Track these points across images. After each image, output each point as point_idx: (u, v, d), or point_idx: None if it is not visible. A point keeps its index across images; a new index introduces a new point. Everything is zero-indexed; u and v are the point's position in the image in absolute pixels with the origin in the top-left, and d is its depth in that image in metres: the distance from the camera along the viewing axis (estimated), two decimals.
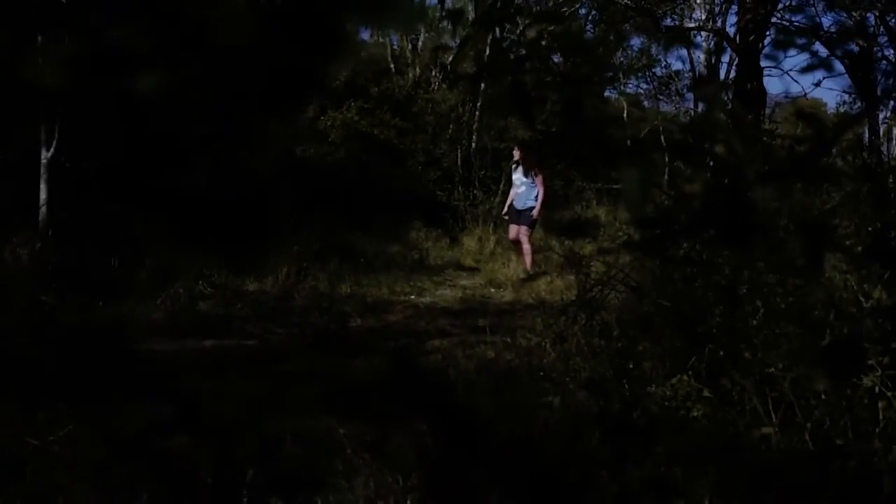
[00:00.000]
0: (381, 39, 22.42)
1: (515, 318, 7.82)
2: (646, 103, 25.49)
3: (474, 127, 16.59)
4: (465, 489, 2.86)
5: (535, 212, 11.51)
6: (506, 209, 12.02)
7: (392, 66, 19.45)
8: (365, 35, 26.91)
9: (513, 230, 11.75)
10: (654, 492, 2.57)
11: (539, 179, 11.63)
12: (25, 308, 6.49)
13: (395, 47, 20.99)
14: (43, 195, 8.59)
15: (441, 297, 9.71)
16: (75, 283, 7.43)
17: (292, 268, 9.37)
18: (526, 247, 11.49)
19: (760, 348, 3.03)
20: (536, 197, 11.56)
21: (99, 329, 6.63)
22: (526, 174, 11.62)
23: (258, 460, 3.38)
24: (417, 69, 19.07)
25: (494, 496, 2.61)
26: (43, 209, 8.56)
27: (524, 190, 11.61)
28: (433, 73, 18.57)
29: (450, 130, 16.73)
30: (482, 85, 16.63)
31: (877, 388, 2.75)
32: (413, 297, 9.62)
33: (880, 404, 2.68)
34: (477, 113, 16.71)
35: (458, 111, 16.88)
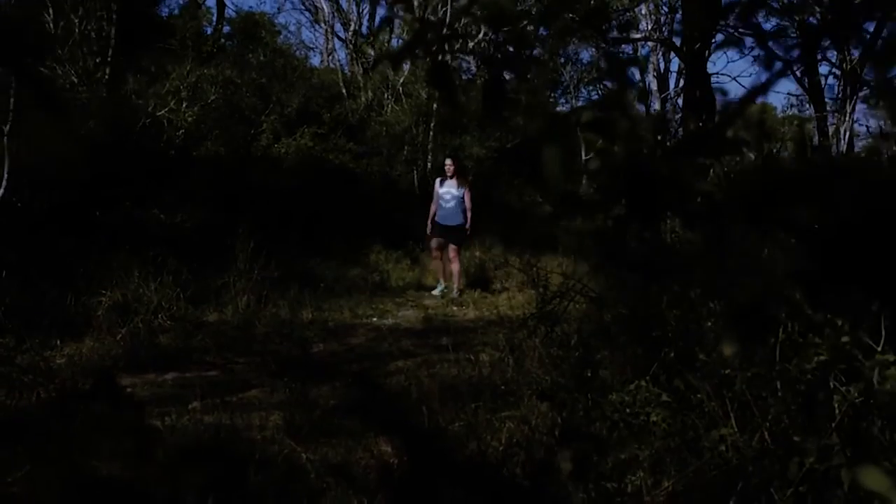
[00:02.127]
0: (331, 65, 22.48)
1: (478, 335, 7.85)
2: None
3: (429, 147, 16.63)
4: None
5: (467, 226, 11.27)
6: (430, 224, 11.50)
7: (344, 90, 19.47)
8: (315, 61, 26.97)
9: (435, 244, 11.44)
10: (616, 499, 2.58)
11: (468, 194, 11.28)
12: None
13: (346, 72, 21.04)
14: None
15: (404, 317, 9.70)
16: (31, 323, 7.33)
17: (252, 296, 9.31)
18: (456, 266, 11.23)
19: (714, 349, 3.06)
20: (465, 212, 11.22)
21: (57, 367, 6.55)
22: (458, 187, 11.24)
23: (221, 487, 3.35)
24: (370, 92, 19.11)
25: None
26: None
27: (453, 205, 11.22)
28: (385, 95, 18.61)
29: (405, 152, 16.77)
30: (434, 105, 16.72)
31: (832, 384, 2.79)
32: (375, 319, 9.60)
33: (836, 398, 2.71)
34: (431, 133, 16.76)
35: (413, 132, 16.93)
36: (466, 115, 17.58)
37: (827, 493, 2.58)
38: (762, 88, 0.83)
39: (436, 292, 11.25)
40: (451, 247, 11.21)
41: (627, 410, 3.11)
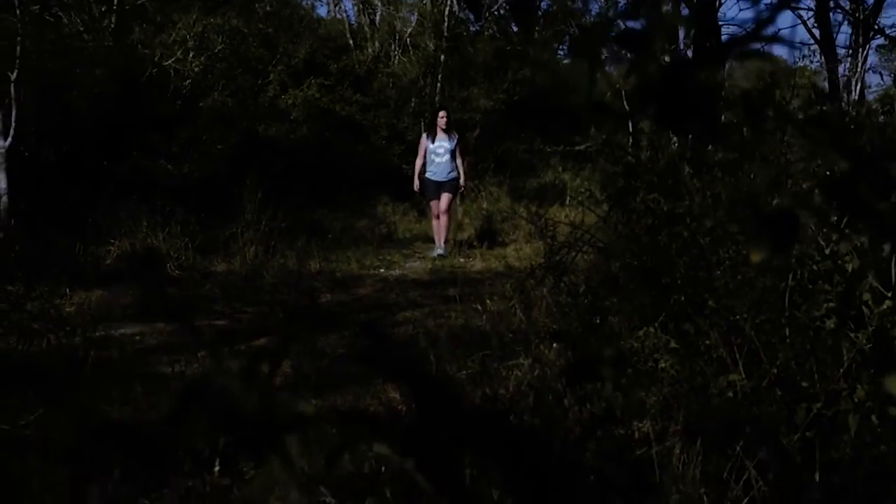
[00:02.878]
0: (338, 16, 22.32)
1: (485, 286, 7.86)
2: (608, 68, 25.48)
3: (436, 99, 16.53)
4: (438, 452, 2.87)
5: (462, 182, 10.76)
6: (417, 180, 10.89)
7: (351, 41, 19.34)
8: (322, 11, 26.77)
9: (436, 205, 10.68)
10: (623, 442, 2.60)
11: (458, 147, 10.75)
12: None
13: (352, 23, 20.88)
14: (3, 185, 8.50)
15: (411, 269, 9.71)
16: (41, 272, 7.36)
17: (260, 246, 9.34)
18: (445, 219, 10.66)
19: (724, 296, 3.07)
20: (457, 166, 10.65)
21: (66, 315, 6.59)
22: (450, 140, 10.62)
23: (231, 432, 3.37)
24: (377, 44, 18.97)
25: (468, 456, 2.62)
26: (4, 199, 8.46)
27: (447, 159, 10.59)
28: (392, 47, 18.49)
29: (412, 104, 16.67)
30: (442, 57, 16.61)
31: (839, 331, 2.79)
32: (382, 270, 9.62)
33: (844, 345, 2.71)
34: (439, 85, 16.67)
35: (420, 84, 16.83)
36: (474, 66, 17.47)
37: (834, 438, 2.60)
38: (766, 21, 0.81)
39: (437, 252, 10.56)
40: (444, 196, 10.59)
41: (635, 357, 3.13)
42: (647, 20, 0.81)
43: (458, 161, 10.64)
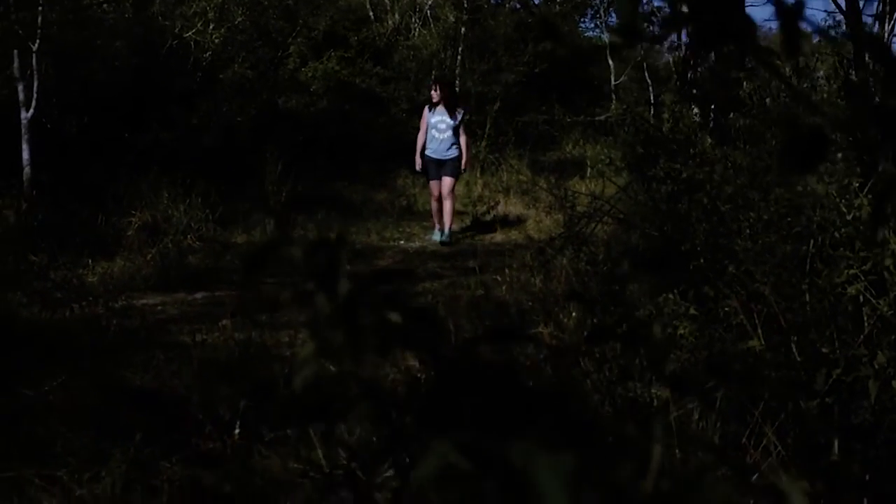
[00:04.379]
0: None
1: (505, 257, 7.86)
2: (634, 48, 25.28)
3: (457, 72, 16.46)
4: (457, 415, 2.88)
5: (463, 162, 9.85)
6: (418, 158, 9.87)
7: (371, 13, 19.27)
8: None
9: (436, 185, 9.75)
10: (642, 407, 2.60)
11: (462, 123, 9.80)
12: (14, 268, 6.49)
13: None
14: (26, 156, 8.54)
15: (430, 241, 9.70)
16: (63, 242, 7.42)
17: (280, 219, 9.36)
18: (449, 204, 9.71)
19: (744, 262, 3.06)
20: (459, 143, 9.73)
21: (89, 284, 6.65)
22: (449, 115, 9.64)
23: (251, 398, 3.41)
24: (397, 16, 18.90)
25: (485, 418, 2.63)
26: (27, 170, 8.51)
27: (448, 136, 9.64)
28: (413, 19, 18.41)
29: (433, 76, 16.61)
30: (463, 29, 16.53)
31: (861, 297, 2.78)
32: (402, 242, 9.63)
33: (864, 311, 2.70)
34: (459, 57, 16.59)
35: (441, 56, 16.75)
36: (494, 39, 17.37)
37: (853, 404, 2.59)
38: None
39: (435, 238, 9.80)
40: (446, 181, 9.68)
41: (654, 323, 3.11)
42: None
43: (462, 139, 9.75)
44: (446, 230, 9.67)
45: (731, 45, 0.81)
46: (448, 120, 9.62)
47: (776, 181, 3.01)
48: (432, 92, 9.86)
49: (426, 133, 9.72)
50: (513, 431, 0.75)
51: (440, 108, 9.67)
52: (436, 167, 9.70)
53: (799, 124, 0.77)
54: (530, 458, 0.65)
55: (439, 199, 9.74)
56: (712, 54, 9.42)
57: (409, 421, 0.89)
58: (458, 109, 9.76)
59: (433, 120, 9.68)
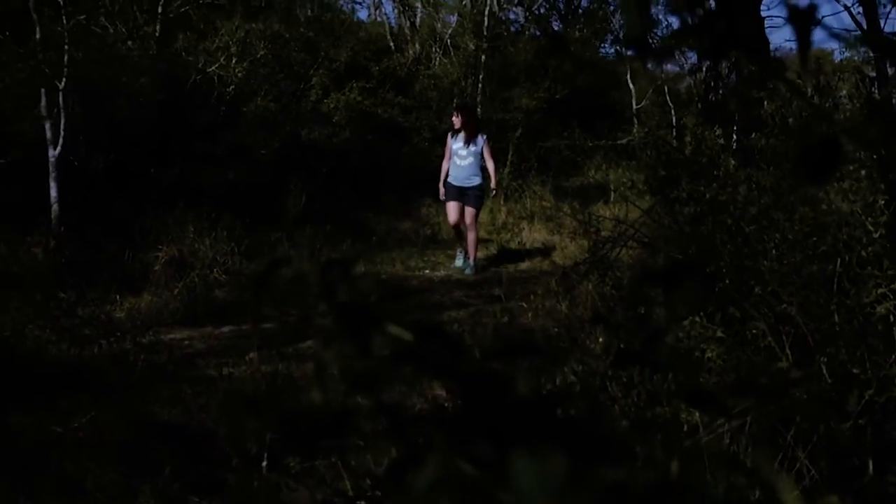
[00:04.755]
0: (379, 19, 22.41)
1: (530, 284, 7.84)
2: (649, 66, 25.26)
3: (478, 100, 16.52)
4: (484, 443, 2.87)
5: (492, 184, 9.75)
6: (442, 188, 9.71)
7: (392, 44, 19.40)
8: (363, 14, 26.91)
9: (454, 212, 9.55)
10: (670, 428, 2.58)
11: (487, 148, 9.56)
12: (43, 304, 6.54)
13: (393, 26, 20.95)
14: (54, 193, 8.62)
15: (455, 270, 9.70)
16: (91, 279, 7.47)
17: (305, 250, 9.39)
18: (473, 235, 9.58)
19: (771, 283, 3.03)
20: (483, 170, 9.57)
21: (116, 320, 6.69)
22: (468, 142, 9.47)
23: (278, 431, 3.40)
24: (417, 46, 19.02)
25: (514, 446, 2.61)
26: (55, 207, 8.59)
27: (470, 162, 9.45)
28: (433, 48, 18.51)
29: (454, 105, 16.67)
30: (483, 57, 16.59)
31: (891, 316, 2.75)
32: (427, 271, 9.63)
33: (895, 330, 2.67)
34: (480, 85, 16.64)
35: (461, 85, 16.82)
36: (515, 66, 17.41)
37: (887, 424, 2.56)
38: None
39: (458, 264, 9.77)
40: (469, 211, 9.46)
41: (681, 346, 3.09)
42: None
43: (490, 165, 9.58)
44: (471, 261, 9.55)
45: (742, 55, 0.80)
46: (470, 147, 9.46)
47: (800, 200, 2.99)
48: (454, 118, 9.70)
49: (449, 160, 9.61)
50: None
51: (461, 135, 9.51)
52: (456, 193, 9.51)
53: (813, 133, 0.77)
54: (522, 464, 0.64)
55: (457, 225, 9.63)
56: (734, 75, 9.40)
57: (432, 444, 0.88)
58: (480, 135, 9.56)
59: (455, 146, 9.54)
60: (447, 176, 9.63)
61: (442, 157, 9.85)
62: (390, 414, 0.95)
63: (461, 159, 9.48)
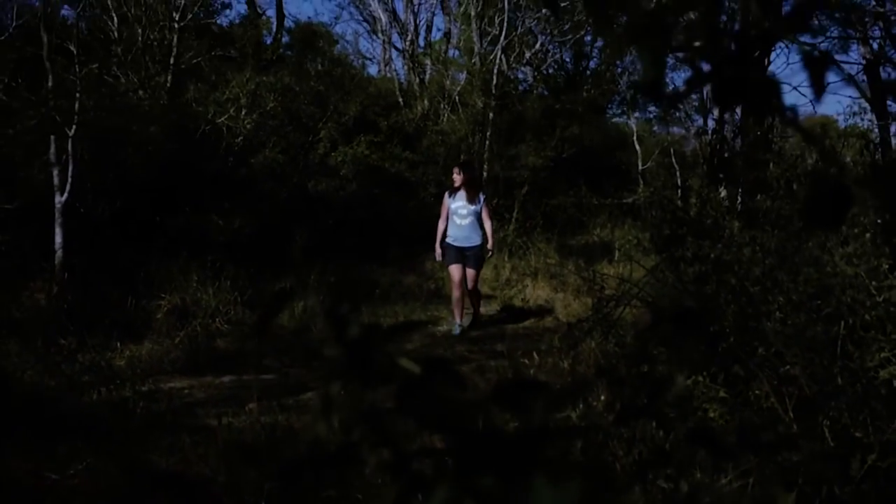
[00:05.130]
0: (388, 74, 22.64)
1: (533, 340, 7.83)
2: (655, 128, 25.44)
3: (485, 156, 16.61)
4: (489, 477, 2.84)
5: (490, 244, 9.27)
6: (439, 248, 9.36)
7: (401, 99, 19.59)
8: (373, 70, 27.20)
9: (458, 274, 9.16)
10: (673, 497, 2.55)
11: (486, 208, 9.22)
12: (44, 350, 6.53)
13: (402, 82, 21.17)
14: (59, 239, 8.65)
15: (450, 333, 9.68)
16: (93, 325, 7.47)
17: (309, 301, 9.38)
18: (477, 298, 9.47)
19: (774, 344, 3.02)
20: (483, 230, 9.22)
21: (117, 368, 6.67)
22: (471, 201, 9.12)
23: (276, 481, 3.37)
24: (426, 102, 19.18)
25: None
26: (59, 253, 8.61)
27: (471, 221, 9.12)
28: (441, 104, 18.66)
29: (461, 161, 16.76)
30: (491, 115, 16.71)
31: (894, 381, 2.73)
32: (430, 326, 9.60)
33: None
34: (487, 142, 16.74)
35: (469, 141, 16.92)
36: (523, 123, 17.53)
37: (890, 489, 2.53)
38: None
39: (455, 331, 9.15)
40: (470, 273, 9.19)
41: (683, 405, 3.07)
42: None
43: (487, 224, 9.22)
44: (458, 319, 9.18)
45: (752, 102, 0.81)
46: (469, 206, 9.13)
47: (805, 262, 2.99)
48: (455, 176, 9.29)
49: (447, 220, 9.27)
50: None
51: (461, 193, 9.17)
52: (457, 254, 9.16)
53: (824, 178, 0.77)
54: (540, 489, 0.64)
55: (461, 286, 9.18)
56: (739, 139, 9.45)
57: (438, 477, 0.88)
58: (480, 194, 9.27)
59: (454, 206, 9.19)
60: (444, 236, 9.29)
61: (438, 216, 9.46)
62: (394, 447, 0.95)
63: (461, 219, 9.15)
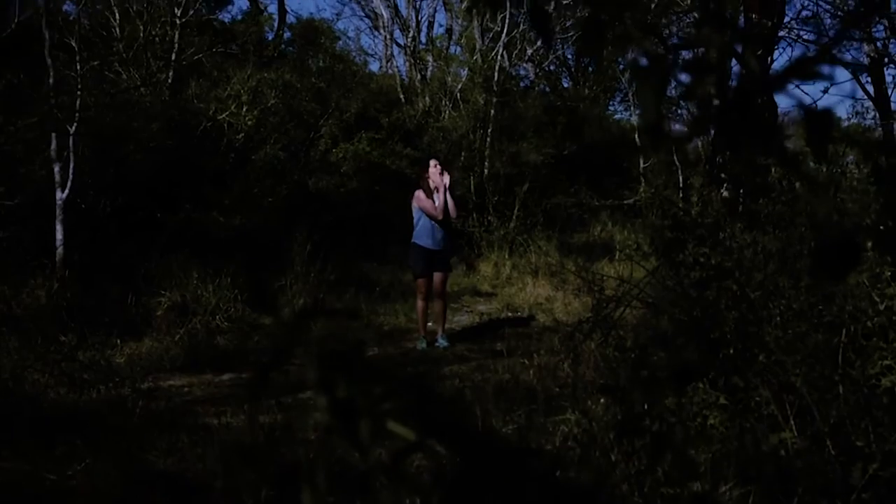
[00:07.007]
0: (390, 71, 22.61)
1: (532, 340, 7.80)
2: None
3: (486, 153, 16.59)
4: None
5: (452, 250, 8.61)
6: (414, 255, 8.48)
7: (402, 96, 19.56)
8: (374, 67, 27.18)
9: (424, 284, 8.41)
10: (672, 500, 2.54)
11: (452, 204, 8.46)
12: (44, 347, 6.52)
13: (404, 79, 21.14)
14: (59, 236, 8.63)
15: (458, 323, 9.67)
16: (93, 322, 7.46)
17: (308, 299, 9.37)
18: (442, 303, 8.62)
19: (775, 351, 3.00)
20: (452, 231, 8.65)
21: (116, 365, 6.66)
22: (448, 200, 8.38)
23: (273, 483, 3.36)
24: (427, 98, 19.16)
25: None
26: (60, 250, 8.59)
27: (446, 222, 8.44)
28: (443, 101, 18.63)
29: (461, 158, 16.74)
30: (492, 112, 16.68)
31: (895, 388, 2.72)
32: (430, 324, 9.59)
33: None
34: (488, 139, 16.72)
35: (469, 138, 16.90)
36: (523, 121, 17.51)
37: (891, 499, 2.52)
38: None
39: (421, 346, 8.35)
40: (438, 276, 8.45)
41: (683, 413, 3.06)
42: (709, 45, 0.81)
43: (451, 204, 8.41)
44: (440, 332, 8.49)
45: (756, 147, 0.80)
46: (445, 205, 8.39)
47: (806, 267, 2.98)
48: (441, 175, 8.52)
49: (419, 222, 8.49)
50: None
51: (438, 195, 8.41)
52: (428, 261, 8.39)
53: (831, 229, 0.76)
54: None
55: (427, 299, 8.44)
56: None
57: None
58: (447, 193, 8.46)
59: (433, 202, 8.40)
60: (415, 238, 8.51)
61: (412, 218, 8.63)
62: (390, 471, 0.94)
63: (434, 219, 8.39)
